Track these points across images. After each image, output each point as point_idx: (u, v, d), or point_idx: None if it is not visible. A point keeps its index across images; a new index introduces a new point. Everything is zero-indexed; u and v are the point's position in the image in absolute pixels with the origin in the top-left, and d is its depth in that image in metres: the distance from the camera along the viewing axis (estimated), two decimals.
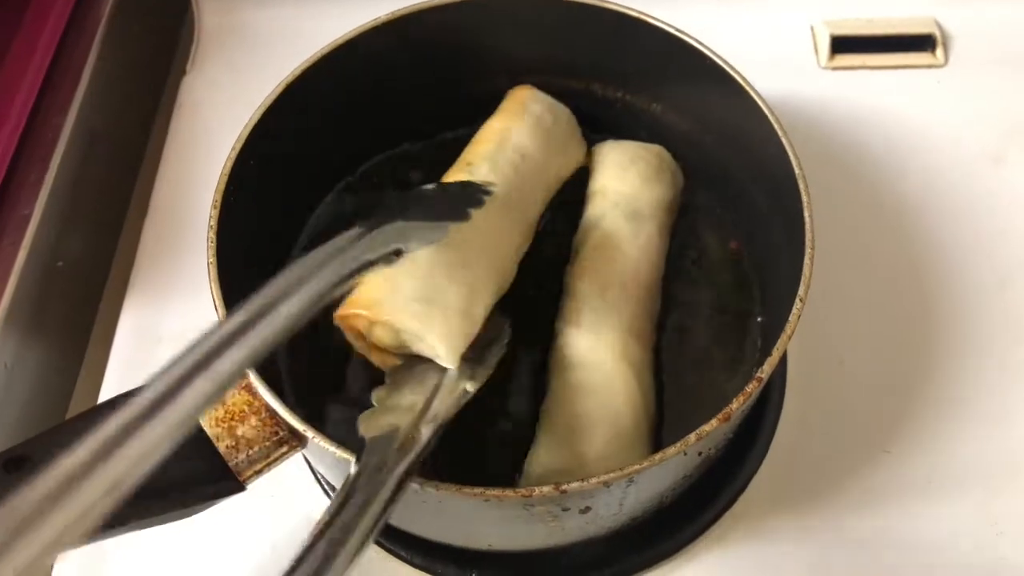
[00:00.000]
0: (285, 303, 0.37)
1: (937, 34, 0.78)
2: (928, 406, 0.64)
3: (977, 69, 0.78)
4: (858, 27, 0.78)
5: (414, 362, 0.51)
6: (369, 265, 0.43)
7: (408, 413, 0.46)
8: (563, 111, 0.64)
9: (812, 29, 0.80)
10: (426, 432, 0.45)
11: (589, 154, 0.66)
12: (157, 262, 0.71)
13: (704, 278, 0.63)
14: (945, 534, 0.59)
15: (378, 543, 0.59)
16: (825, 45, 0.78)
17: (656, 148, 0.65)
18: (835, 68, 0.78)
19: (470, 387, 0.49)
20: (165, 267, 0.71)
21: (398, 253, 0.45)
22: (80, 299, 0.76)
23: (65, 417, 0.72)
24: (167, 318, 0.68)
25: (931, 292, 0.68)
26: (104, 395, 0.66)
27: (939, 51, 0.78)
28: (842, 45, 0.78)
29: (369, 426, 0.44)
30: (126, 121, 0.84)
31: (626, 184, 0.62)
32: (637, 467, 0.44)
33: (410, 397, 0.48)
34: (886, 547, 0.59)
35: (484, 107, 0.64)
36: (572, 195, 0.64)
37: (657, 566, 0.58)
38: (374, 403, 0.47)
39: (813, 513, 0.60)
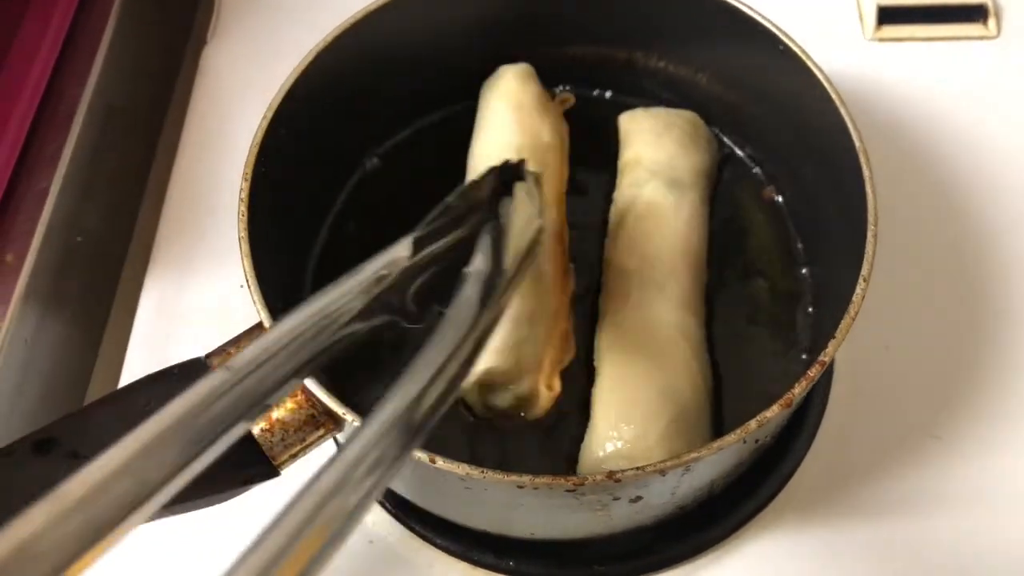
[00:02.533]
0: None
1: (989, 4, 0.74)
2: (979, 391, 0.61)
3: None
4: None
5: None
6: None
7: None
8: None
9: None
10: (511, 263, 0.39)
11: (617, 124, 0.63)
12: (179, 235, 0.69)
13: (746, 252, 0.60)
14: (999, 522, 0.57)
15: (412, 530, 0.57)
16: (871, 16, 0.75)
17: (688, 114, 0.62)
18: (881, 40, 0.75)
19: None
20: (188, 240, 0.69)
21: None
22: (99, 273, 0.75)
23: (86, 392, 0.71)
24: (190, 292, 0.66)
25: (982, 273, 0.66)
26: (126, 370, 0.64)
27: (991, 22, 0.74)
28: (889, 16, 0.75)
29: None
30: (144, 92, 0.82)
31: (662, 151, 0.59)
32: (695, 455, 0.41)
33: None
34: (936, 535, 0.57)
35: None
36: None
37: (702, 555, 0.56)
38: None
39: (860, 501, 0.58)
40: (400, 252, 0.38)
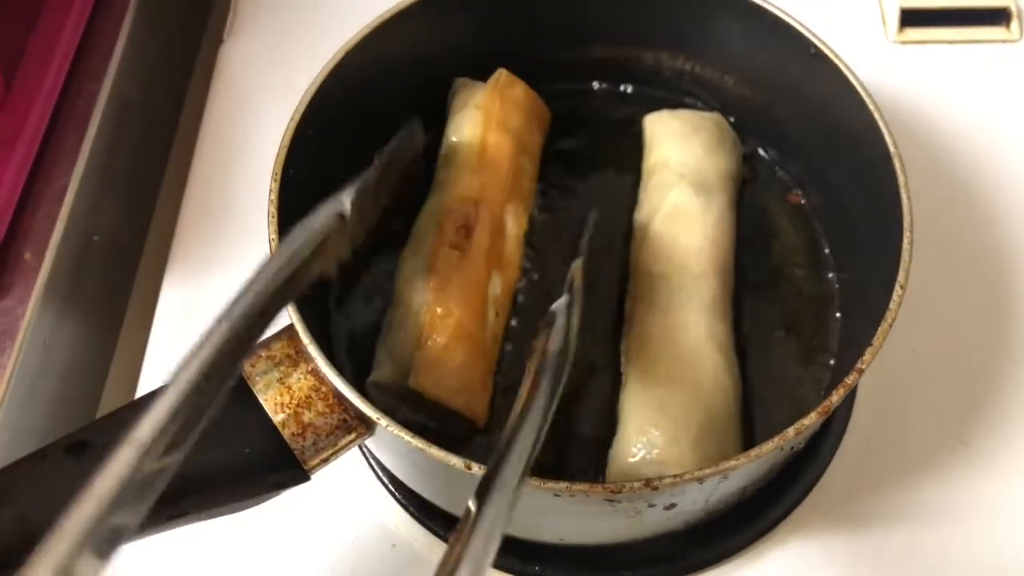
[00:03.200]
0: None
1: (1012, 7, 0.74)
2: (1008, 396, 0.61)
3: None
4: None
5: None
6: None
7: None
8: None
9: (880, 1, 0.76)
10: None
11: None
12: (198, 235, 0.68)
13: (773, 256, 0.60)
14: None
15: (436, 533, 0.56)
16: (894, 18, 0.74)
17: (714, 116, 0.62)
18: (904, 42, 0.75)
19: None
20: (207, 239, 0.68)
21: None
22: (115, 273, 0.74)
23: (101, 392, 0.70)
24: (209, 291, 0.65)
25: (1008, 277, 0.65)
26: (145, 370, 0.63)
27: (1014, 25, 0.74)
28: (912, 18, 0.74)
29: None
30: (160, 90, 0.82)
31: (690, 154, 0.59)
32: (734, 462, 0.41)
33: None
34: (964, 542, 0.56)
35: (548, 74, 0.61)
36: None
37: (728, 560, 0.55)
38: None
39: (887, 506, 0.58)
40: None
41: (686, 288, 0.53)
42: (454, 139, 0.60)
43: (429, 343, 0.52)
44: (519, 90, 0.61)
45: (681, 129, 0.60)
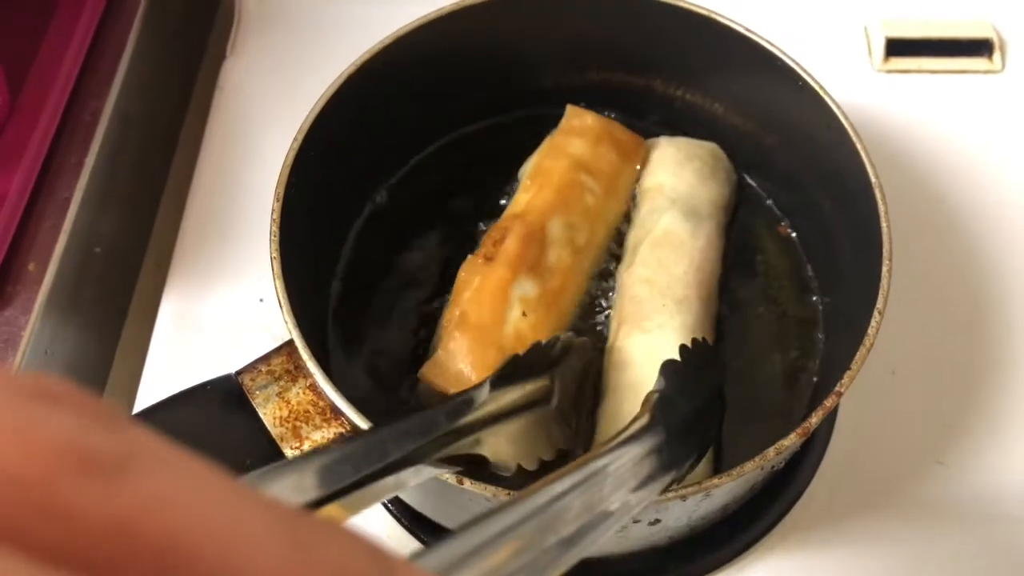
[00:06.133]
0: None
1: (995, 39, 0.76)
2: (984, 418, 0.63)
3: None
4: (914, 29, 0.77)
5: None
6: None
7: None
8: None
9: (866, 30, 0.78)
10: None
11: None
12: (198, 249, 0.70)
13: (759, 279, 0.62)
14: (1001, 549, 0.58)
15: (424, 542, 0.58)
16: (880, 47, 0.76)
17: (710, 145, 0.64)
18: (890, 71, 0.77)
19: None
20: (207, 254, 0.69)
21: None
22: (116, 284, 0.75)
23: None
24: (209, 306, 0.67)
25: (986, 302, 0.67)
26: (145, 381, 0.64)
27: (996, 56, 0.76)
28: (897, 48, 0.76)
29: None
30: (161, 105, 0.83)
31: (683, 181, 0.61)
32: (715, 481, 0.43)
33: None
34: (941, 560, 0.58)
35: (542, 96, 0.63)
36: None
37: (711, 575, 0.57)
38: None
39: (865, 524, 0.59)
40: (479, 396, 0.41)
41: (667, 310, 0.55)
42: (521, 170, 0.63)
43: (437, 338, 0.56)
44: (587, 119, 0.63)
45: (676, 156, 0.62)
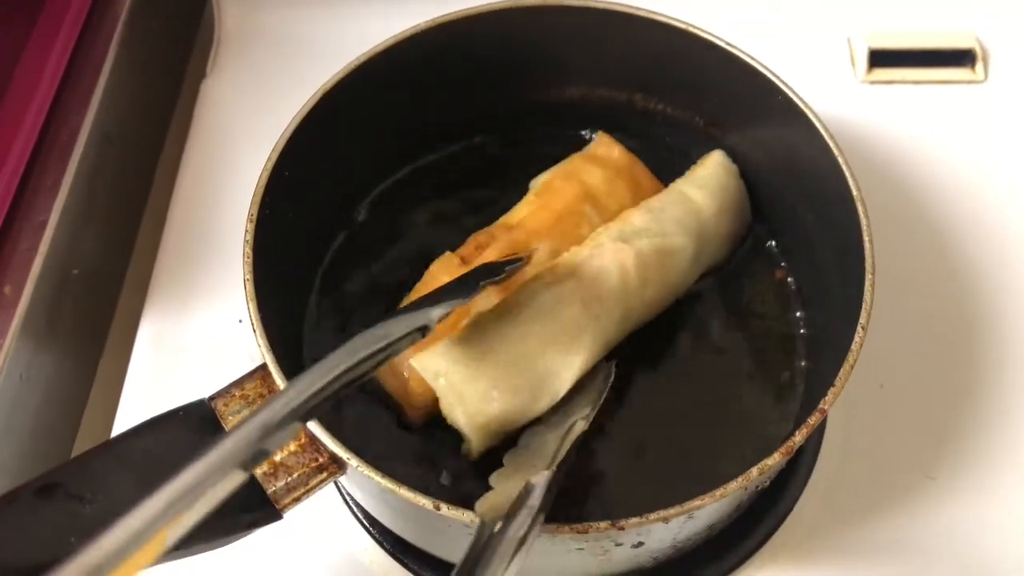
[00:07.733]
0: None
1: (977, 49, 0.76)
2: (973, 432, 0.62)
3: (1018, 86, 0.76)
4: (897, 40, 0.77)
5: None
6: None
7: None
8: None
9: (850, 42, 0.78)
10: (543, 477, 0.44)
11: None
12: (177, 270, 0.69)
13: (742, 294, 0.61)
14: (993, 564, 0.57)
15: (408, 568, 0.57)
16: (863, 58, 0.76)
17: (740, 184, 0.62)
18: (873, 82, 0.76)
19: (582, 424, 0.49)
20: (185, 275, 0.68)
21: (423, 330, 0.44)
22: (93, 307, 0.74)
23: (78, 428, 0.70)
24: (187, 328, 0.66)
25: (973, 314, 0.67)
26: (123, 405, 0.63)
27: (979, 66, 0.76)
28: (881, 59, 0.76)
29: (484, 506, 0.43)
30: (141, 124, 0.82)
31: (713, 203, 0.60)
32: (698, 502, 0.42)
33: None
34: (930, 575, 0.57)
35: (523, 117, 0.62)
36: None
37: None
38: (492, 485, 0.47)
39: (855, 541, 0.58)
40: (418, 321, 0.43)
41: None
42: (534, 180, 0.62)
43: None
44: (615, 151, 0.62)
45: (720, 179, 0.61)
